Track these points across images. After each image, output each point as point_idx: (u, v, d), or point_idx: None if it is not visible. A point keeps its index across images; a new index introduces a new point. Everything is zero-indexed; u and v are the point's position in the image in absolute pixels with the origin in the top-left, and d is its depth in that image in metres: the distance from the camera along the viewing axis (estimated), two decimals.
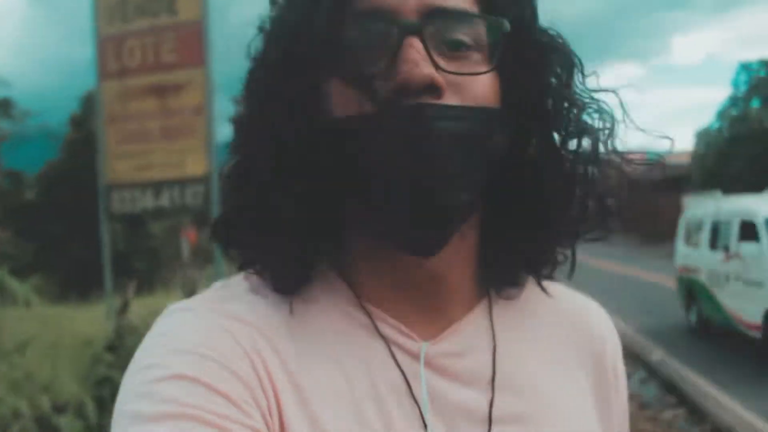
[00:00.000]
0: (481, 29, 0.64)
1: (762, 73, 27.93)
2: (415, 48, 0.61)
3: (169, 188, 8.10)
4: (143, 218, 13.10)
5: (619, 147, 0.71)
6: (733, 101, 28.23)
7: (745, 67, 28.66)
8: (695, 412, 6.72)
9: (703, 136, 29.30)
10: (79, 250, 18.28)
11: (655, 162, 0.75)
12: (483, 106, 0.63)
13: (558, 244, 0.73)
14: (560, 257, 0.74)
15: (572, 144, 0.70)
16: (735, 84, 28.51)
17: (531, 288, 0.77)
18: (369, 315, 0.67)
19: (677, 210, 28.58)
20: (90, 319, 8.24)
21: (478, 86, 0.64)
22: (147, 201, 8.21)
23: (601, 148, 0.71)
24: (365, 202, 0.65)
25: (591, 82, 0.72)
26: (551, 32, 0.71)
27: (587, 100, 0.71)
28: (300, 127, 0.64)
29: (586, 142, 0.70)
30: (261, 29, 0.70)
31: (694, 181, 28.43)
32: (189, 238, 6.32)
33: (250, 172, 0.67)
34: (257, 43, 0.70)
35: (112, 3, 8.41)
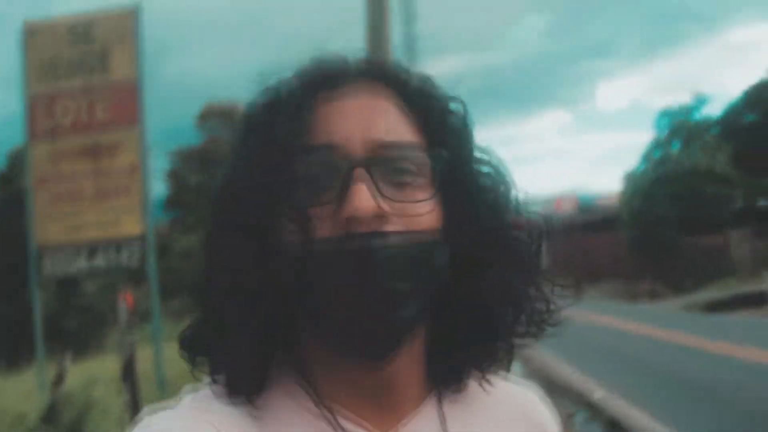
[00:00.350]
0: (423, 159, 0.71)
1: (680, 118, 29.45)
2: (362, 180, 0.66)
3: (104, 249, 7.93)
4: (76, 278, 12.67)
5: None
6: (656, 144, 29.63)
7: (665, 112, 30.24)
8: None
9: (630, 179, 30.53)
10: (5, 312, 17.49)
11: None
12: (425, 229, 0.69)
13: (497, 345, 0.79)
14: (500, 356, 0.80)
15: (503, 264, 0.75)
16: (657, 128, 30.03)
17: (475, 380, 0.82)
18: (329, 413, 0.72)
19: (609, 249, 29.60)
20: (19, 391, 7.82)
21: (421, 211, 0.69)
22: (81, 262, 7.99)
23: (532, 263, 0.77)
24: (318, 319, 0.70)
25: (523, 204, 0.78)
26: (489, 158, 0.77)
27: (519, 226, 0.77)
28: (254, 251, 0.68)
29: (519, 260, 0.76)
30: (225, 159, 0.77)
31: (623, 221, 29.45)
32: (126, 301, 6.18)
33: (210, 290, 0.72)
34: (223, 170, 0.75)
35: (43, 60, 8.26)
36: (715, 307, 19.38)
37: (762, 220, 25.75)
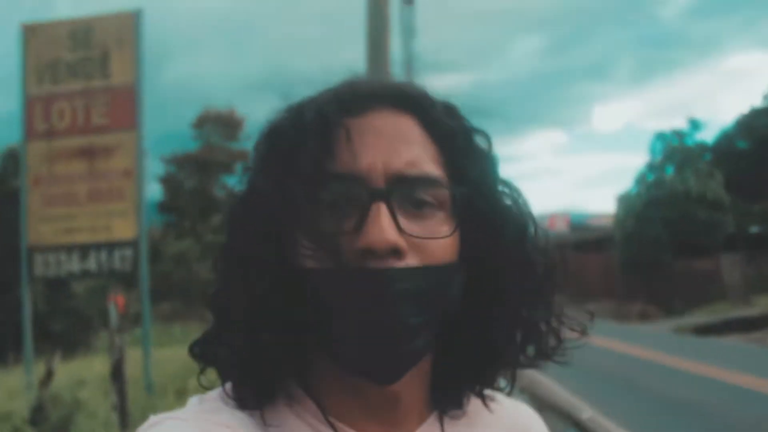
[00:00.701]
0: (443, 191, 0.71)
1: (674, 142, 29.58)
2: (381, 212, 0.66)
3: (96, 251, 7.90)
4: (67, 280, 12.61)
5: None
6: (650, 168, 29.69)
7: (660, 136, 30.33)
8: None
9: (624, 201, 30.56)
10: None
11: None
12: (441, 264, 0.69)
13: (500, 371, 0.80)
14: (501, 382, 0.82)
15: (517, 294, 0.75)
16: (652, 152, 30.09)
17: (475, 399, 0.83)
18: (334, 428, 0.72)
19: (600, 269, 29.62)
20: (6, 389, 7.76)
21: (438, 245, 0.69)
22: (73, 264, 7.95)
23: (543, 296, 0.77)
24: (328, 341, 0.70)
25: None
26: (510, 191, 0.77)
27: (536, 257, 0.77)
28: (270, 271, 0.69)
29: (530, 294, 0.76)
30: (245, 171, 0.76)
31: (615, 243, 29.50)
32: (117, 303, 6.16)
33: (225, 304, 0.72)
34: (241, 188, 0.76)
35: (42, 63, 8.25)
36: (705, 330, 19.37)
37: (753, 246, 25.85)
